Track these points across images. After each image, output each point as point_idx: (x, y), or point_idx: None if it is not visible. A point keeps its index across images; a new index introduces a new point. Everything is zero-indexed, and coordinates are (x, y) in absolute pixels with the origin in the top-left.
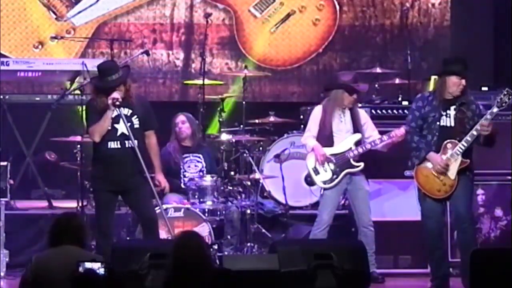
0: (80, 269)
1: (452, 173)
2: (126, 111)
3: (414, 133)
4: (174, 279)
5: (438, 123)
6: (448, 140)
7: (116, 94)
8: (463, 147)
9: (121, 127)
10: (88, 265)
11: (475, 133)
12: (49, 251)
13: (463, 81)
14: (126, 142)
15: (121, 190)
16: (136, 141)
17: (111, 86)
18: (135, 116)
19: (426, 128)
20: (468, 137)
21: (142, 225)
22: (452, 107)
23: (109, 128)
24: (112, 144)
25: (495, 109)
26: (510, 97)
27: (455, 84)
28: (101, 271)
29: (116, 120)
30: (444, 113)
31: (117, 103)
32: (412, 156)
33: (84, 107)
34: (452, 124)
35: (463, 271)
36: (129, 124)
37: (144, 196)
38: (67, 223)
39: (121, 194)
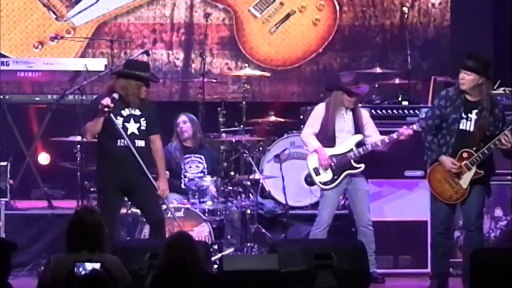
0: (81, 269)
1: (465, 182)
2: (137, 112)
3: (429, 132)
4: (161, 279)
5: (457, 125)
6: (465, 150)
7: (107, 101)
8: (478, 159)
9: (131, 127)
10: (89, 265)
11: (493, 146)
12: (68, 256)
13: (464, 75)
14: (136, 141)
15: (127, 188)
16: (143, 142)
17: (147, 79)
18: (143, 118)
19: (446, 128)
20: (485, 150)
21: (150, 226)
22: (474, 111)
23: (121, 126)
24: (122, 142)
25: None
26: None
27: (461, 78)
28: (100, 272)
29: (127, 119)
30: (465, 116)
31: (106, 109)
32: (425, 154)
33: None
34: (472, 129)
35: (466, 274)
36: (137, 125)
37: (152, 196)
38: (87, 229)
39: (127, 193)
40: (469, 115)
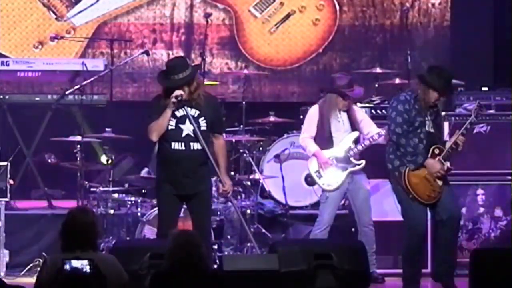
0: (67, 267)
1: (441, 179)
2: (193, 111)
3: (409, 136)
4: (167, 277)
5: (424, 127)
6: (436, 146)
7: (178, 92)
8: (449, 153)
9: (187, 128)
10: (74, 263)
11: (458, 142)
12: (63, 255)
13: (442, 98)
14: (192, 144)
15: (185, 195)
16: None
17: (173, 86)
18: (203, 118)
19: (412, 132)
20: (453, 144)
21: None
22: (428, 113)
23: (174, 128)
24: (176, 145)
25: (473, 120)
26: (482, 109)
27: (435, 98)
28: (87, 268)
29: (182, 120)
30: (427, 118)
31: (179, 98)
32: (404, 159)
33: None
34: (432, 130)
35: (445, 269)
36: (196, 125)
37: (205, 208)
38: (79, 229)
39: (186, 200)
40: (427, 116)
